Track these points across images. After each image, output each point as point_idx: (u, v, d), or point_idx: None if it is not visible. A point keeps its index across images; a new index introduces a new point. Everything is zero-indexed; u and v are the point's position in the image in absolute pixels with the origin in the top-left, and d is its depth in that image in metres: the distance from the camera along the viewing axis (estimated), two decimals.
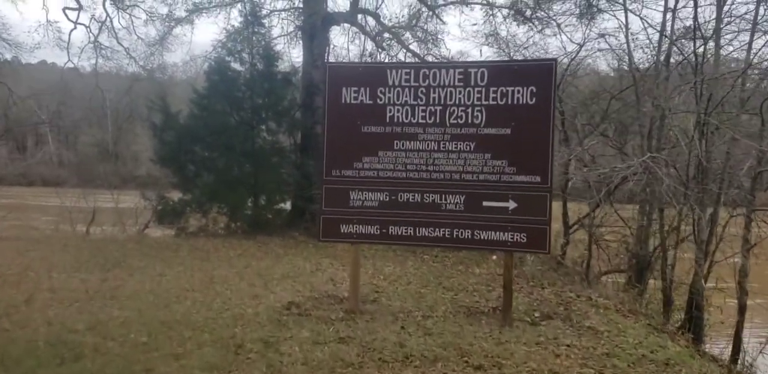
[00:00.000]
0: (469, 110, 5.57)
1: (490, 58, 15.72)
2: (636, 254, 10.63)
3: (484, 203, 5.59)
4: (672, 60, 10.63)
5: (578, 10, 16.04)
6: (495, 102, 5.52)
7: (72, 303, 6.34)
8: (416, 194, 5.69)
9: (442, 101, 5.62)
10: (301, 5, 16.25)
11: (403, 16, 17.41)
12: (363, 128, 5.74)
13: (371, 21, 16.30)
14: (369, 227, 5.77)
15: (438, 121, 5.63)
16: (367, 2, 16.38)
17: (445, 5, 17.99)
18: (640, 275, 10.60)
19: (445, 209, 5.65)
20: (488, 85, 5.53)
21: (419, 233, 5.71)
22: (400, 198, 5.71)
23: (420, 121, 5.66)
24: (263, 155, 14.37)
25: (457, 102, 5.59)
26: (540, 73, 5.46)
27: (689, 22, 10.70)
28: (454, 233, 5.66)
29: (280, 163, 14.83)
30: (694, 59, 8.68)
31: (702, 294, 8.92)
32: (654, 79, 10.43)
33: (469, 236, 5.63)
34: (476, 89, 5.55)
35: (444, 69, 5.65)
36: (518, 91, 5.47)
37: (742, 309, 8.40)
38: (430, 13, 17.97)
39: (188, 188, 14.45)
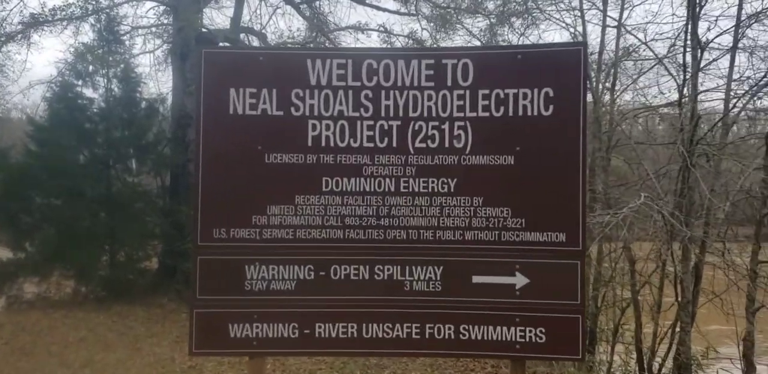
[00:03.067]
0: (446, 127, 3.37)
1: None
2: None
3: (475, 280, 3.36)
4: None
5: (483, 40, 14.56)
6: (488, 113, 3.35)
7: None
8: (361, 267, 3.37)
9: (401, 113, 3.39)
10: (170, 21, 13.70)
11: (297, 30, 15.25)
12: (267, 156, 3.39)
13: (256, 41, 13.99)
14: (280, 326, 3.37)
15: (395, 144, 3.38)
16: (251, 21, 14.07)
17: (338, 30, 16.07)
18: (592, 339, 8.72)
19: (411, 290, 3.37)
20: (475, 85, 3.36)
21: (367, 333, 3.37)
22: (335, 274, 3.37)
23: (365, 144, 3.38)
24: (122, 201, 11.59)
25: (425, 114, 3.38)
26: (560, 66, 3.35)
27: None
28: (427, 331, 3.36)
29: (144, 210, 12.06)
30: (682, 73, 6.98)
31: (691, 369, 7.08)
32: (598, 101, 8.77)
33: (452, 336, 3.36)
34: (456, 93, 3.37)
35: (403, 60, 3.41)
36: (525, 96, 3.33)
37: None
38: (323, 39, 15.95)
39: (22, 246, 11.35)
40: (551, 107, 3.31)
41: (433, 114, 3.38)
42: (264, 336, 3.35)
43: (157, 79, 20.31)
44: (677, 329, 7.30)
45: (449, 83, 3.37)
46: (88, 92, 12.20)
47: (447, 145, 3.37)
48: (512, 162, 3.33)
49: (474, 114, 3.35)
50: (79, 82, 12.10)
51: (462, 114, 3.36)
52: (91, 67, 12.06)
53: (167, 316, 9.41)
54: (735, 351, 7.13)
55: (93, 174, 11.59)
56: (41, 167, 11.28)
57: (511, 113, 3.34)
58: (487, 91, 3.35)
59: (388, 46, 16.24)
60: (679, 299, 7.16)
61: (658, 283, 7.51)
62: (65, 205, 11.33)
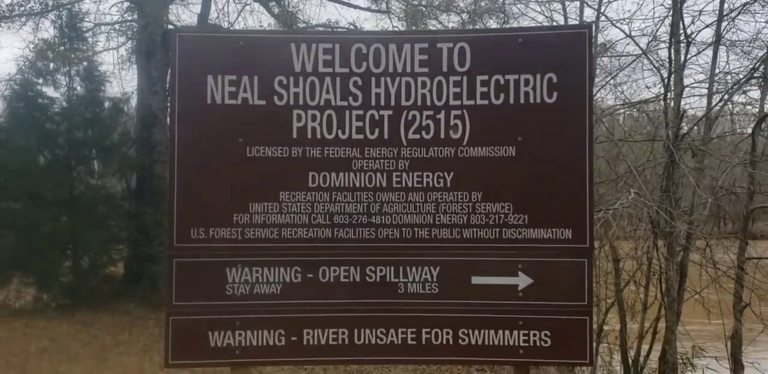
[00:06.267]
0: (441, 116, 3.13)
1: None
2: None
3: (475, 281, 3.13)
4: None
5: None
6: (486, 101, 3.12)
7: None
8: (352, 269, 3.12)
9: (393, 101, 3.14)
10: (135, 18, 13.26)
11: (268, 26, 14.89)
12: (249, 150, 3.11)
13: None
14: (265, 333, 3.10)
15: (387, 136, 3.14)
16: (218, 18, 13.71)
17: (308, 28, 15.73)
18: None
19: (406, 292, 3.12)
20: (473, 71, 3.13)
21: (359, 339, 3.12)
22: (323, 276, 3.11)
23: (354, 136, 3.13)
24: (85, 205, 11.13)
25: (419, 102, 3.14)
26: (565, 51, 3.14)
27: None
28: (423, 336, 3.13)
29: (109, 214, 11.61)
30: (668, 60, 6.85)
31: (677, 368, 6.96)
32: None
33: (450, 341, 3.12)
34: (452, 79, 3.14)
35: (395, 44, 3.17)
36: (527, 82, 3.12)
37: None
38: None
39: None
40: (555, 94, 3.10)
41: (428, 103, 3.14)
42: (247, 345, 3.08)
43: (121, 78, 19.77)
44: (662, 327, 7.18)
45: (445, 69, 3.14)
46: (49, 91, 11.73)
47: (443, 136, 3.13)
48: (513, 154, 3.11)
49: (472, 102, 3.13)
50: (40, 81, 11.62)
51: (459, 102, 3.13)
52: (52, 65, 11.59)
53: (134, 323, 9.01)
54: (720, 350, 7.03)
55: (54, 177, 11.13)
56: None
57: (512, 101, 3.12)
58: (485, 78, 3.13)
59: None
60: (664, 297, 7.03)
61: (643, 281, 7.38)
62: (24, 209, 10.83)
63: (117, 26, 13.97)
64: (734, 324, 6.49)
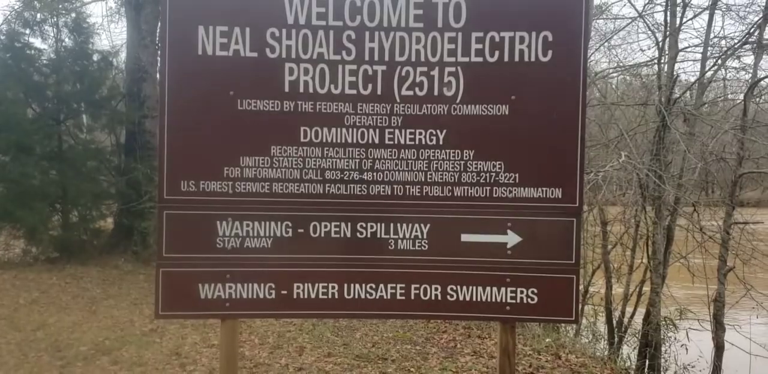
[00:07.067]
0: (435, 73, 3.10)
1: None
2: None
3: (464, 238, 3.15)
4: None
5: None
6: (481, 58, 3.09)
7: None
8: (342, 224, 3.13)
9: (387, 56, 3.10)
10: None
11: None
12: (240, 103, 3.08)
13: None
14: (255, 287, 3.13)
15: (380, 92, 3.11)
16: None
17: None
18: None
19: (396, 248, 3.14)
20: (468, 27, 3.09)
21: (349, 294, 3.16)
22: (314, 232, 3.13)
23: (347, 91, 3.10)
24: (75, 159, 11.09)
25: (413, 58, 3.10)
26: (561, 8, 3.11)
27: None
28: (412, 291, 3.17)
29: (98, 168, 11.60)
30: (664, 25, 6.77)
31: (661, 329, 7.09)
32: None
33: (439, 297, 3.17)
34: (447, 35, 3.09)
35: None
36: (522, 40, 3.08)
37: (719, 350, 6.63)
38: None
39: None
40: (550, 53, 3.07)
41: (422, 59, 3.10)
42: (237, 297, 3.11)
43: (110, 30, 19.39)
44: (647, 290, 7.29)
45: (440, 24, 3.09)
46: (37, 42, 11.57)
47: (436, 93, 3.11)
48: (506, 112, 3.10)
49: (466, 59, 3.09)
50: (27, 32, 11.40)
51: (453, 59, 3.09)
52: (39, 16, 11.35)
53: (124, 277, 9.08)
54: (703, 314, 7.16)
55: (43, 130, 11.02)
56: None
57: (506, 59, 3.08)
58: (480, 34, 3.08)
59: None
60: (650, 261, 7.12)
61: (630, 244, 7.45)
62: (13, 161, 10.76)
63: None
64: (718, 286, 6.60)
